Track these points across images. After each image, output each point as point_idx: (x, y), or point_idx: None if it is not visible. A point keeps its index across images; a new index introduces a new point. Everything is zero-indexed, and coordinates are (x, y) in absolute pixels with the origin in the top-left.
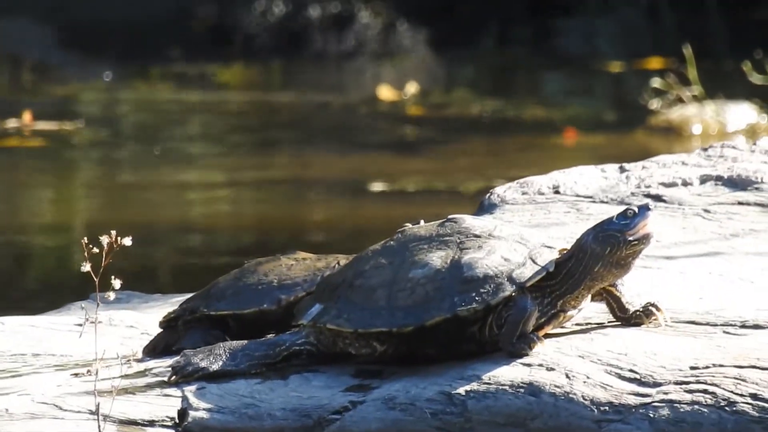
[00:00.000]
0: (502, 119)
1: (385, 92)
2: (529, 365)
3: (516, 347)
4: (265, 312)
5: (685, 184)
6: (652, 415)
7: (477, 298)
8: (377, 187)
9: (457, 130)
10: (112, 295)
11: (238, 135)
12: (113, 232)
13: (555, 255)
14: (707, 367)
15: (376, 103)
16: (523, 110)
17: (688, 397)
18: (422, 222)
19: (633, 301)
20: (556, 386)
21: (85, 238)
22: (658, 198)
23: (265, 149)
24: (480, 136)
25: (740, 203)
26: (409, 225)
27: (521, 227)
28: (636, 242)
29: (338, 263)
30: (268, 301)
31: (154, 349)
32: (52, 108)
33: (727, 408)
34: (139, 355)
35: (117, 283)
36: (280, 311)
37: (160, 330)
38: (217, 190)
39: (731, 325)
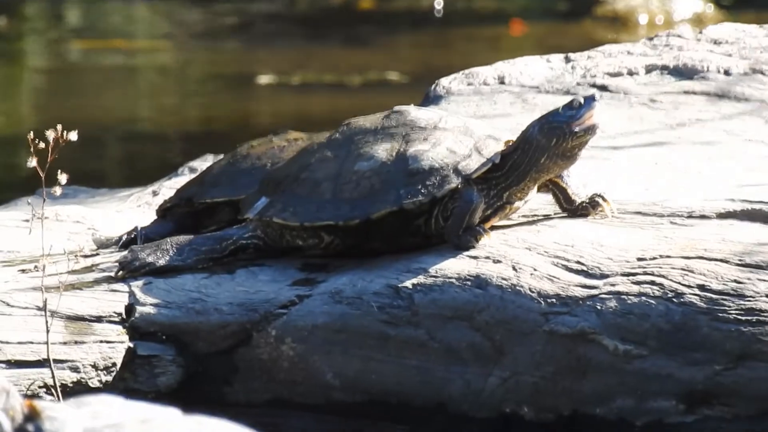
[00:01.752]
0: (452, 11)
1: None
2: (475, 258)
3: (462, 240)
4: None
5: (630, 73)
6: (599, 307)
7: (423, 191)
8: (326, 79)
9: (407, 22)
10: (58, 190)
11: (184, 29)
12: (59, 127)
13: (501, 147)
14: (654, 259)
15: None
16: (473, 2)
17: (635, 288)
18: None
19: (579, 193)
20: (502, 279)
21: (31, 133)
22: (603, 88)
23: (211, 45)
24: (429, 29)
25: (686, 92)
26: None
27: (467, 118)
28: (582, 133)
29: None
30: None
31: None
32: None
33: (674, 299)
34: (87, 252)
35: (63, 178)
36: None
37: (156, 218)
38: (163, 83)
39: (678, 215)
